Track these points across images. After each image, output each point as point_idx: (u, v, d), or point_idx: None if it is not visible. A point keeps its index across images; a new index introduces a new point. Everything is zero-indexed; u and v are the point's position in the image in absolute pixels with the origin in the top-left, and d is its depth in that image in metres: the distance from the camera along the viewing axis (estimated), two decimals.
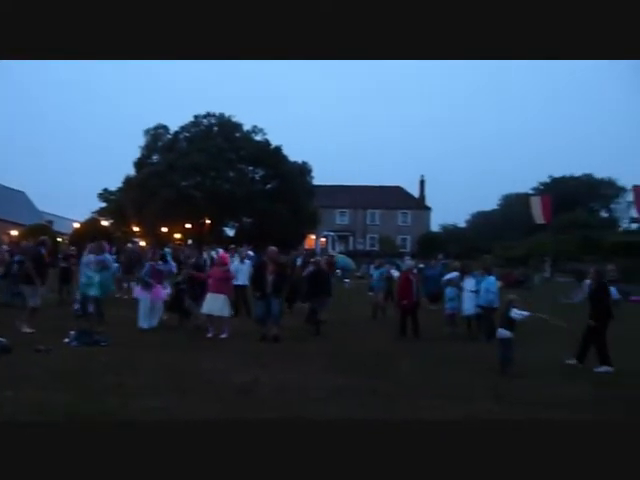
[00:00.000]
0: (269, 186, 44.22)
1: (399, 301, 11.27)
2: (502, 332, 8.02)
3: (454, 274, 13.17)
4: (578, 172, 68.75)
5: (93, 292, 9.87)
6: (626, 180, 57.37)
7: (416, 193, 61.57)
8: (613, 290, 18.92)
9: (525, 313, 7.97)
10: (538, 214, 34.55)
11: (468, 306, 11.35)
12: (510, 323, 7.97)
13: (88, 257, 10.49)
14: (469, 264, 13.47)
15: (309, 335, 10.70)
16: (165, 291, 10.96)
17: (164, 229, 38.66)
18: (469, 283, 11.44)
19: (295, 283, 11.99)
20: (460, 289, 11.71)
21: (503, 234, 61.08)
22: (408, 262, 12.38)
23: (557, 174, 68.98)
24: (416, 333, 10.98)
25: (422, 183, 60.89)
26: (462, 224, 74.16)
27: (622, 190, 60.33)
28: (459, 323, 11.72)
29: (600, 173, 67.57)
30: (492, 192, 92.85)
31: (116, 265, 14.19)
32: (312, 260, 12.19)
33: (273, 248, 10.36)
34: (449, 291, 12.27)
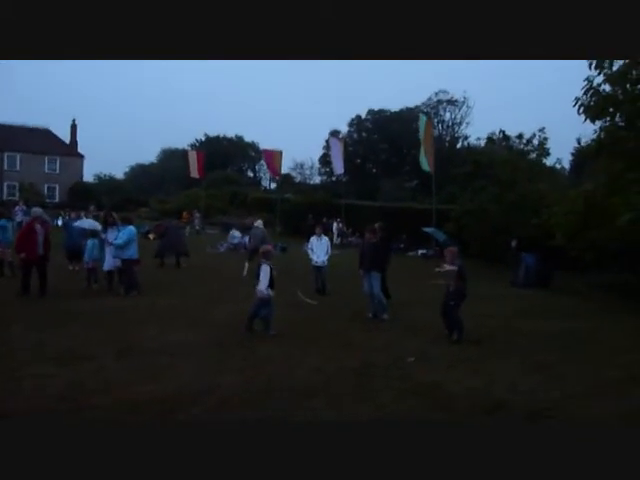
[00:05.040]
0: None
1: (18, 253, 9.90)
2: (260, 290, 7.57)
3: (86, 221, 12.55)
4: (231, 133, 74.70)
5: None
6: (268, 144, 65.47)
7: (67, 138, 55.49)
8: (246, 239, 21.56)
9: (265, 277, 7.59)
10: (194, 169, 35.92)
11: (108, 259, 10.89)
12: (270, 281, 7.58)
13: None
14: (115, 216, 12.67)
15: None
16: None
17: None
18: (111, 235, 10.91)
19: None
20: (103, 241, 11.12)
21: (162, 187, 61.74)
22: (35, 209, 10.81)
23: (212, 133, 73.27)
24: (43, 290, 9.91)
25: (74, 128, 55.11)
26: (120, 175, 71.11)
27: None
28: (100, 277, 11.18)
29: (248, 137, 75.16)
30: (152, 145, 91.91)
31: None
32: None
33: None
34: (88, 243, 11.45)
